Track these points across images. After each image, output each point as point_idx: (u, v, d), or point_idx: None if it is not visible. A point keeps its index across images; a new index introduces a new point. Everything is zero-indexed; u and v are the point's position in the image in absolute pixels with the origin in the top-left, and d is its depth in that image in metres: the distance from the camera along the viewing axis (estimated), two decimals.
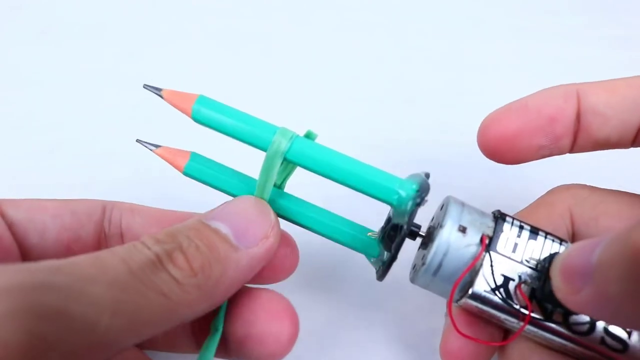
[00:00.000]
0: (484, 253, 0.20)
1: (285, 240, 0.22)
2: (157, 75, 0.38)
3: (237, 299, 0.22)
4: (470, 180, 0.22)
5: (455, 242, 0.20)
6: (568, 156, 0.32)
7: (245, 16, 0.41)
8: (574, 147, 0.23)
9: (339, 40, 0.40)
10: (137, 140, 0.23)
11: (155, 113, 0.36)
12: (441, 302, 0.24)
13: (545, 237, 0.21)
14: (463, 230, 0.20)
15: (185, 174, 0.22)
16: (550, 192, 0.24)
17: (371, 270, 0.22)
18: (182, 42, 0.39)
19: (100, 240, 0.23)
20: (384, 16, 0.41)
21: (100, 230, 0.23)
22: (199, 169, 0.22)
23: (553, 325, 0.20)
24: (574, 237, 0.24)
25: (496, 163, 0.23)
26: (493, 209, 0.22)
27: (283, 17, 0.41)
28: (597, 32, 0.40)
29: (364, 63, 0.39)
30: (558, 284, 0.18)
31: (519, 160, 0.23)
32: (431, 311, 0.28)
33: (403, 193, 0.20)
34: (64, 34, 0.39)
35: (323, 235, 0.22)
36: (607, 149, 0.23)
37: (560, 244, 0.21)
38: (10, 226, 0.22)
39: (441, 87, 0.37)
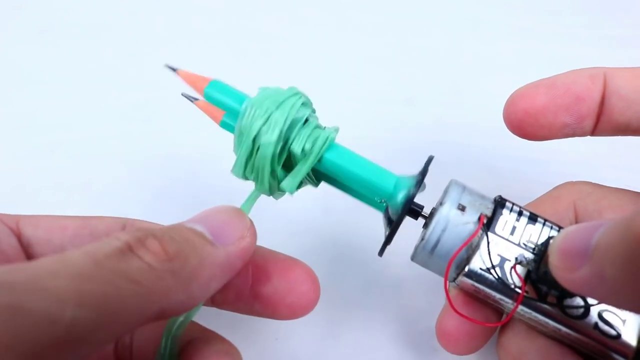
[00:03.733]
0: (480, 232, 0.21)
1: (308, 276, 0.22)
2: (157, 75, 0.38)
3: (267, 268, 0.22)
4: (470, 180, 0.22)
5: (453, 219, 0.21)
6: (568, 157, 0.32)
7: (245, 16, 0.41)
8: (596, 129, 0.23)
9: (339, 40, 0.40)
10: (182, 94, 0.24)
11: (155, 113, 0.36)
12: (441, 302, 0.24)
13: (544, 224, 0.21)
14: (462, 208, 0.21)
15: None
16: (556, 187, 0.25)
17: (371, 270, 0.22)
18: (182, 42, 0.39)
19: None
20: (384, 16, 0.41)
21: None
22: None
23: (547, 307, 0.20)
24: None
25: (512, 144, 0.25)
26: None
27: (283, 16, 0.41)
28: (597, 32, 0.40)
29: (364, 63, 0.39)
30: (555, 261, 0.18)
31: (543, 136, 0.23)
32: (431, 311, 0.28)
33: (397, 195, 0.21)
34: (64, 34, 0.39)
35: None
36: (628, 135, 0.23)
37: (559, 230, 0.21)
38: (27, 247, 0.21)
39: (441, 87, 0.37)
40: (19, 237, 0.21)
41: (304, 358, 0.27)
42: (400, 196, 0.21)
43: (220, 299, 0.23)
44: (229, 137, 0.25)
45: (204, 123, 0.27)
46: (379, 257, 0.23)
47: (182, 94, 0.23)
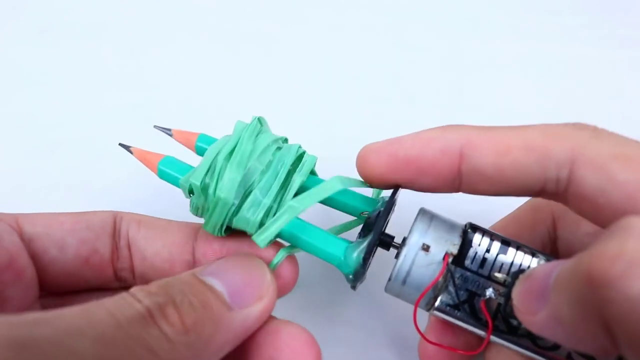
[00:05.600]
0: (445, 271, 0.20)
1: (305, 343, 0.21)
2: (157, 75, 0.38)
3: (259, 333, 0.21)
4: (453, 195, 0.23)
5: (418, 261, 0.20)
6: None
7: (245, 16, 0.41)
8: (460, 189, 0.21)
9: (339, 40, 0.40)
10: (155, 126, 0.25)
11: (155, 113, 0.36)
12: None
13: (517, 250, 0.21)
14: (426, 248, 0.21)
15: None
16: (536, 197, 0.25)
17: (370, 270, 0.22)
18: (182, 42, 0.39)
19: (113, 253, 0.23)
20: (384, 16, 0.41)
21: (114, 243, 0.23)
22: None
23: (519, 340, 0.20)
24: (556, 240, 0.24)
25: None
26: (490, 208, 0.22)
27: (283, 16, 0.41)
28: (597, 32, 0.40)
29: (364, 63, 0.39)
30: (517, 304, 0.18)
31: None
32: None
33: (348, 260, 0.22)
34: (64, 34, 0.39)
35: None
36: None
37: (533, 256, 0.21)
38: (29, 242, 0.21)
39: (441, 87, 0.37)
40: (21, 235, 0.21)
41: None
42: (352, 259, 0.21)
43: None
44: None
45: (204, 123, 0.27)
46: (379, 257, 0.23)
47: (154, 126, 0.25)
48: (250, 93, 0.37)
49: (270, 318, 0.21)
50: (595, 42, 0.39)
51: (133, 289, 0.17)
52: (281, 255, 0.22)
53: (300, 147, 0.23)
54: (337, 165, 0.25)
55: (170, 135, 0.25)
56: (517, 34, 0.40)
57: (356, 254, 0.21)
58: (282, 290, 0.22)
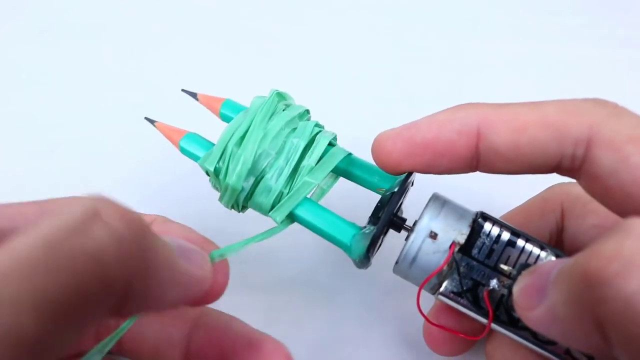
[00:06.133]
0: (451, 259, 0.20)
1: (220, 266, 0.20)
2: (157, 75, 0.38)
3: (240, 346, 0.20)
4: (468, 180, 0.22)
5: (425, 248, 0.21)
6: None
7: (245, 16, 0.41)
8: (477, 169, 0.21)
9: (339, 40, 0.40)
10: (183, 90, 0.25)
11: (155, 113, 0.36)
12: None
13: (526, 243, 0.21)
14: (434, 236, 0.21)
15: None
16: (548, 189, 0.25)
17: (371, 270, 0.22)
18: (182, 42, 0.39)
19: None
20: (384, 16, 0.41)
21: None
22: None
23: (519, 332, 0.20)
24: (562, 232, 0.24)
25: None
26: (492, 207, 0.22)
27: (283, 16, 0.41)
28: (597, 32, 0.40)
29: (364, 63, 0.39)
30: (516, 299, 0.18)
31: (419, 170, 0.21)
32: None
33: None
34: (64, 34, 0.39)
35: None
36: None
37: (541, 249, 0.21)
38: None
39: (441, 87, 0.37)
40: None
41: (304, 358, 0.27)
42: (358, 246, 0.22)
43: None
44: None
45: (203, 123, 0.27)
46: (378, 257, 0.23)
47: (145, 118, 0.25)
48: (250, 93, 0.37)
49: (251, 331, 0.21)
50: (595, 42, 0.39)
51: None
52: (216, 255, 0.21)
53: (316, 125, 0.24)
54: None
55: (197, 99, 0.25)
56: (517, 34, 0.40)
57: (362, 243, 0.21)
58: (214, 293, 0.21)
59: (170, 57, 0.39)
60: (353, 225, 0.22)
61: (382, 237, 0.22)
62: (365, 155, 0.23)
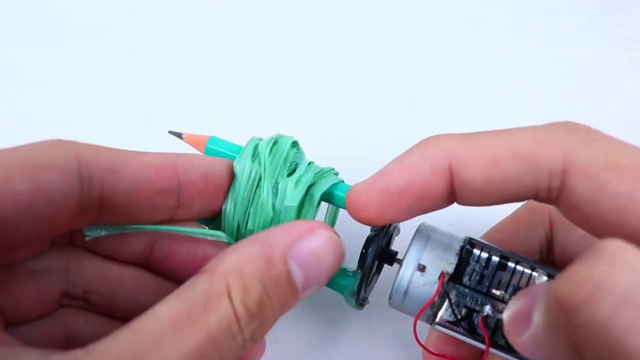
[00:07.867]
0: (441, 290, 0.21)
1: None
2: (157, 75, 0.38)
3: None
4: None
5: (414, 281, 0.21)
6: None
7: (245, 16, 0.41)
8: (456, 201, 0.20)
9: (339, 40, 0.40)
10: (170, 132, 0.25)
11: (155, 113, 0.36)
12: None
13: (516, 265, 0.21)
14: (422, 269, 0.21)
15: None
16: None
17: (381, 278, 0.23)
18: (182, 42, 0.39)
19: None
20: (384, 16, 0.41)
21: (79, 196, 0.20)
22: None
23: (517, 355, 0.20)
24: (552, 242, 0.24)
25: None
26: (481, 220, 0.22)
27: (283, 17, 0.41)
28: (597, 32, 0.40)
29: (364, 63, 0.39)
30: (505, 325, 0.18)
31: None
32: None
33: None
34: (64, 34, 0.39)
35: None
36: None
37: (532, 270, 0.21)
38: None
39: (441, 87, 0.37)
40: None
41: (304, 357, 0.27)
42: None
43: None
44: (229, 137, 0.25)
45: (204, 123, 0.27)
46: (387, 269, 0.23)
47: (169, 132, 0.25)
48: (250, 93, 0.37)
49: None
50: (595, 42, 0.39)
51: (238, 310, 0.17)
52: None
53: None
54: (338, 165, 0.25)
55: (181, 139, 0.25)
56: (517, 34, 0.40)
57: (352, 296, 0.23)
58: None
59: (170, 57, 0.39)
60: (349, 276, 0.23)
61: (373, 276, 0.23)
62: (365, 154, 0.23)
